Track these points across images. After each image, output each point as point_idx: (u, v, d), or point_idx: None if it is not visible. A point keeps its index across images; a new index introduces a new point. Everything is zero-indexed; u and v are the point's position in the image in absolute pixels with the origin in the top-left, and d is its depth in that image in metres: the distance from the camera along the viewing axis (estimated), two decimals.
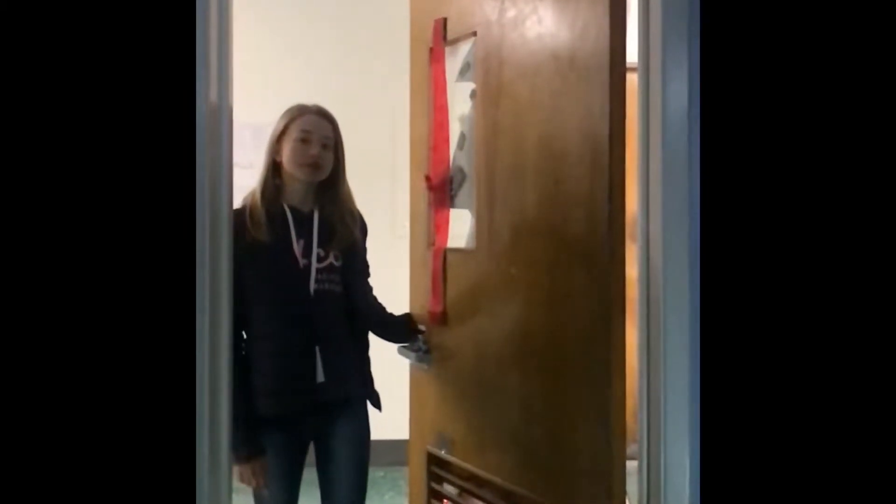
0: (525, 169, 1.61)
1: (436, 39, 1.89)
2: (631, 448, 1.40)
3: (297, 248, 1.75)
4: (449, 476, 1.88)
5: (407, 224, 2.05)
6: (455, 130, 1.87)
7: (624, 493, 1.44)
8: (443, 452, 1.87)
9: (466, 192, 1.83)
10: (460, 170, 1.86)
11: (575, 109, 1.47)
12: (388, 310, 1.94)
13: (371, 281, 1.94)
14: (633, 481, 1.40)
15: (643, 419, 1.34)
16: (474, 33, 1.76)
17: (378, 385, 1.89)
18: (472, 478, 1.79)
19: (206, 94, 1.26)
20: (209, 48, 1.28)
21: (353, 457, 1.81)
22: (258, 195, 1.76)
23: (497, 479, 1.69)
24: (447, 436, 1.87)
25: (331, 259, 1.78)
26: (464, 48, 1.84)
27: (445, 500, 1.91)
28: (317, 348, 1.74)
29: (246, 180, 1.80)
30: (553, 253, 1.54)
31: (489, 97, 1.72)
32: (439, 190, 1.89)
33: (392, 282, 2.03)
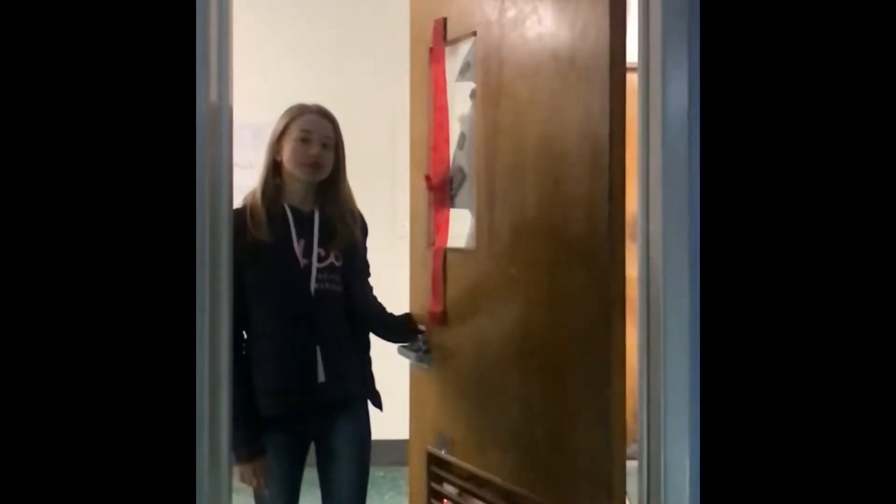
0: (525, 169, 1.61)
1: (436, 39, 1.89)
2: (631, 448, 1.40)
3: (297, 247, 1.75)
4: (449, 476, 1.88)
5: (407, 224, 2.06)
6: (455, 130, 1.87)
7: (624, 493, 1.44)
8: (443, 452, 1.87)
9: (466, 191, 1.83)
10: (460, 170, 1.86)
11: (575, 109, 1.47)
12: (388, 310, 1.94)
13: (371, 281, 1.94)
14: (633, 481, 1.40)
15: (643, 419, 1.34)
16: (474, 33, 1.76)
17: (378, 385, 1.89)
18: (472, 478, 1.79)
19: (206, 94, 1.26)
20: (209, 48, 1.28)
21: (354, 457, 1.81)
22: (259, 195, 1.76)
23: (497, 479, 1.69)
24: (447, 436, 1.87)
25: (331, 259, 1.78)
26: (464, 48, 1.84)
27: (445, 500, 1.91)
28: (317, 348, 1.74)
29: (246, 180, 1.80)
30: (553, 253, 1.54)
31: (489, 97, 1.72)
32: (439, 190, 1.89)
33: (392, 282, 2.03)
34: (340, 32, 3.53)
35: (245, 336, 1.75)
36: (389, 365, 1.96)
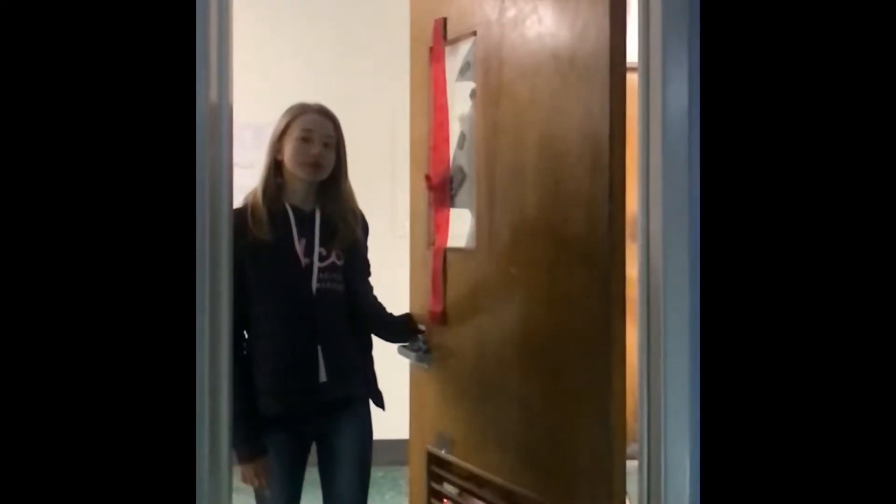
0: (525, 169, 1.61)
1: (436, 39, 1.89)
2: (631, 448, 1.40)
3: (298, 247, 1.75)
4: (449, 476, 1.88)
5: (407, 224, 2.05)
6: (455, 130, 1.87)
7: (624, 493, 1.44)
8: (443, 452, 1.87)
9: (466, 191, 1.83)
10: (460, 169, 1.86)
11: (575, 109, 1.47)
12: (388, 310, 1.94)
13: (371, 281, 1.94)
14: (633, 481, 1.40)
15: (643, 419, 1.34)
16: (474, 33, 1.76)
17: (379, 385, 1.89)
18: (472, 477, 1.79)
19: (206, 94, 1.26)
20: (209, 48, 1.28)
21: (355, 456, 1.81)
22: (260, 194, 1.76)
23: (497, 479, 1.69)
24: (447, 435, 1.87)
25: (333, 258, 1.78)
26: (464, 48, 1.84)
27: (445, 500, 1.91)
28: (319, 347, 1.74)
29: (246, 180, 1.80)
30: (553, 253, 1.54)
31: (489, 97, 1.72)
32: (439, 190, 1.89)
33: (392, 282, 2.03)
34: (340, 32, 3.53)
35: (246, 336, 1.75)
36: (389, 365, 1.96)
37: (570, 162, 1.48)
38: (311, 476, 1.83)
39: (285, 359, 1.74)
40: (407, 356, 1.96)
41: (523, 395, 1.62)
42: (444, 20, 1.86)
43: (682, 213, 1.27)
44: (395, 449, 2.44)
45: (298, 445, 1.80)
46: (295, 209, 1.77)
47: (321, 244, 1.77)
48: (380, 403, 1.88)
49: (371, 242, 1.93)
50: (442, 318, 1.85)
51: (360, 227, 1.86)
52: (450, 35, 1.86)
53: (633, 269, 1.39)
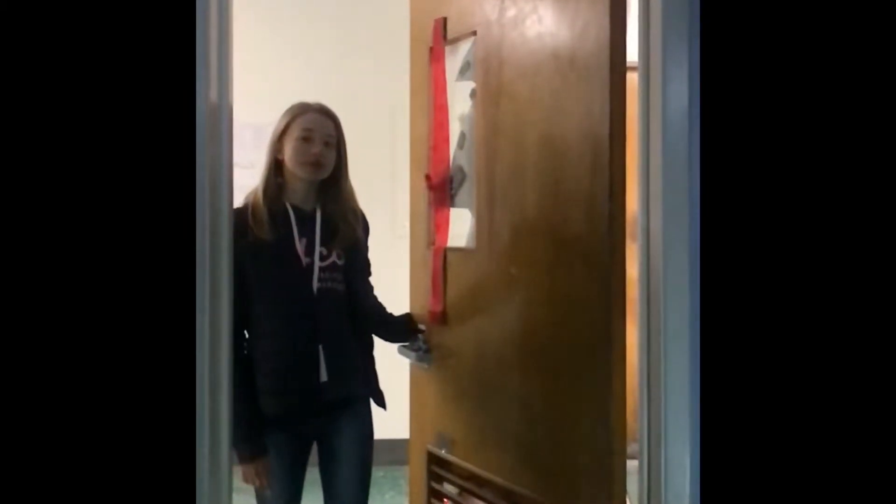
0: (525, 168, 1.61)
1: (436, 39, 1.89)
2: (631, 448, 1.40)
3: (299, 246, 1.75)
4: (449, 475, 1.88)
5: (407, 224, 2.05)
6: (455, 130, 1.87)
7: (624, 492, 1.44)
8: (443, 452, 1.87)
9: (466, 191, 1.83)
10: (460, 169, 1.86)
11: (575, 109, 1.47)
12: (388, 310, 1.94)
13: (371, 280, 1.94)
14: (634, 481, 1.40)
15: (643, 419, 1.34)
16: (474, 33, 1.76)
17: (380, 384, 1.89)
18: (472, 477, 1.79)
19: (206, 94, 1.26)
20: (209, 48, 1.28)
21: (356, 456, 1.81)
22: (260, 194, 1.76)
23: (497, 479, 1.69)
24: (447, 435, 1.87)
25: (333, 258, 1.78)
26: (464, 47, 1.84)
27: (445, 500, 1.92)
28: (320, 347, 1.74)
29: (246, 180, 1.80)
30: (553, 253, 1.54)
31: (489, 96, 1.72)
32: (439, 189, 1.89)
33: (392, 282, 2.03)
34: (340, 32, 3.53)
35: (247, 335, 1.75)
36: (389, 365, 1.96)
37: (570, 162, 1.48)
38: (312, 476, 1.83)
39: (286, 358, 1.74)
40: (407, 356, 1.96)
41: (523, 395, 1.62)
42: (444, 20, 1.86)
43: (682, 213, 1.27)
44: (396, 449, 2.44)
45: (299, 445, 1.80)
46: (295, 209, 1.77)
47: (322, 244, 1.77)
48: (381, 403, 1.88)
49: (371, 242, 1.93)
50: (442, 318, 1.85)
51: (360, 226, 1.86)
52: (450, 35, 1.86)
53: (633, 269, 1.39)
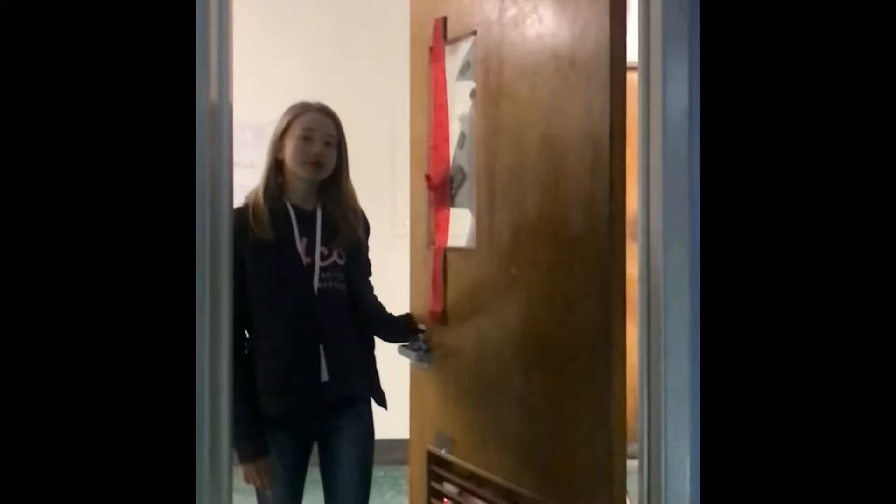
0: (525, 168, 1.61)
1: (436, 38, 1.89)
2: (631, 447, 1.40)
3: (300, 246, 1.75)
4: (449, 475, 1.88)
5: (407, 223, 2.05)
6: (455, 130, 1.87)
7: (624, 492, 1.44)
8: (443, 451, 1.87)
9: (466, 191, 1.83)
10: (460, 169, 1.86)
11: (575, 109, 1.47)
12: (388, 310, 1.94)
13: (371, 280, 1.94)
14: (634, 481, 1.40)
15: (643, 419, 1.34)
16: (474, 32, 1.76)
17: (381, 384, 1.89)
18: (472, 477, 1.79)
19: (206, 94, 1.26)
20: (209, 48, 1.28)
21: (357, 456, 1.81)
22: (261, 193, 1.75)
23: (497, 479, 1.69)
24: (447, 435, 1.87)
25: (334, 257, 1.78)
26: (464, 47, 1.84)
27: (446, 500, 1.92)
28: (321, 347, 1.74)
29: (247, 180, 1.80)
30: (553, 252, 1.54)
31: (489, 96, 1.72)
32: (439, 189, 1.89)
33: (392, 282, 2.03)
34: (340, 32, 3.53)
35: (247, 335, 1.75)
36: (389, 365, 1.96)
37: (570, 162, 1.48)
38: (313, 476, 1.83)
39: (287, 358, 1.74)
40: (407, 356, 1.96)
41: (523, 395, 1.62)
42: (444, 20, 1.86)
43: (682, 212, 1.27)
44: (396, 448, 2.44)
45: (300, 445, 1.80)
46: (296, 208, 1.77)
47: (322, 243, 1.77)
48: (382, 402, 1.88)
49: (371, 242, 1.93)
50: (442, 318, 1.85)
51: (361, 226, 1.86)
52: (450, 35, 1.86)
53: (633, 269, 1.39)
